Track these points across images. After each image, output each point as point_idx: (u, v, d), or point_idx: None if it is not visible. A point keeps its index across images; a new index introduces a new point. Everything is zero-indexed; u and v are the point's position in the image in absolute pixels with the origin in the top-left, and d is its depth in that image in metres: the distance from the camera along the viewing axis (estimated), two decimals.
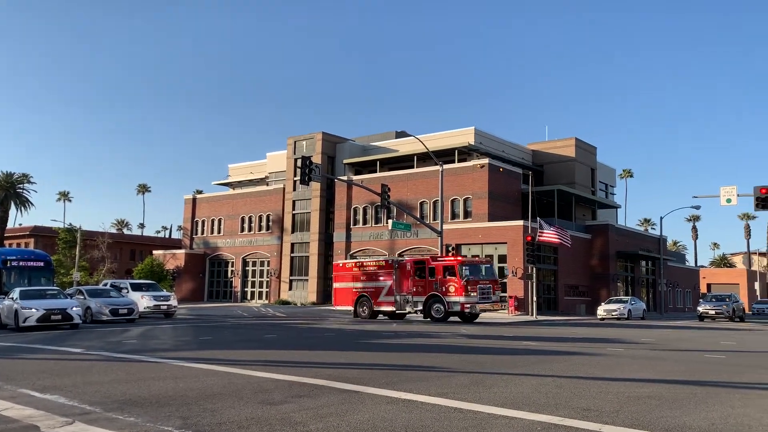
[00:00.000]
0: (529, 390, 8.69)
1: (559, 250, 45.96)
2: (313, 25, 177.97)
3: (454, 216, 48.47)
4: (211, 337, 18.62)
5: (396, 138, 58.52)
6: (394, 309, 30.36)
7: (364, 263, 33.41)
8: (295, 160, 55.94)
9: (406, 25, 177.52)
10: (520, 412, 7.04)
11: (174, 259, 64.44)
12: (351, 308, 32.48)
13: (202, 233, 66.70)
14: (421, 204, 50.21)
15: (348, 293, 32.36)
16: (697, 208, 54.52)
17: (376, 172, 55.61)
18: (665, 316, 49.86)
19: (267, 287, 61.01)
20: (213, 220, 66.00)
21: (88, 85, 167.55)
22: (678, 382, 9.87)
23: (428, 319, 28.85)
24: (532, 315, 38.01)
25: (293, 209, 59.33)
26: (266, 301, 59.52)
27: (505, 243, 43.43)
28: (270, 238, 60.99)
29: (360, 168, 58.43)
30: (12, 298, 21.97)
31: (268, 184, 64.74)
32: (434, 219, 46.66)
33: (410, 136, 41.87)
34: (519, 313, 40.41)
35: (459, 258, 30.85)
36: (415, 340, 18.18)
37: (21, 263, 26.42)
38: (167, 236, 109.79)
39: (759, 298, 72.00)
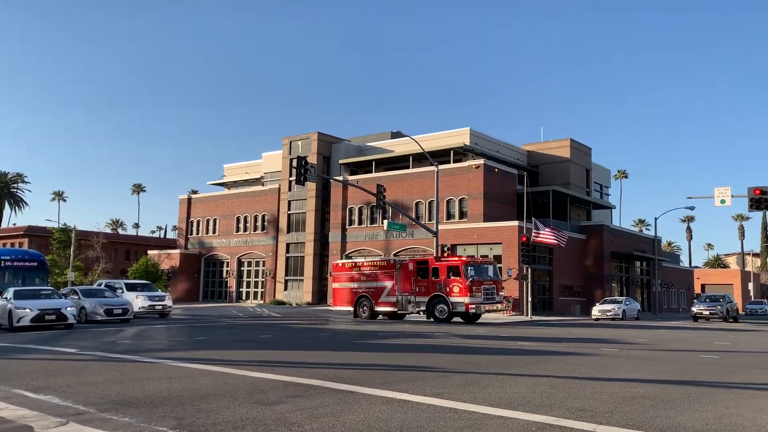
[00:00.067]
0: (524, 390, 8.70)
1: (554, 251, 46.03)
2: (309, 26, 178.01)
3: (449, 216, 48.52)
4: (206, 337, 18.58)
5: (391, 138, 58.56)
6: (396, 309, 30.08)
7: (365, 263, 33.09)
8: (291, 160, 55.90)
9: (403, 26, 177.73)
10: (515, 412, 7.05)
11: (169, 259, 64.31)
12: (349, 308, 32.28)
13: (197, 233, 66.58)
14: (417, 204, 50.24)
15: (347, 293, 32.08)
16: (692, 208, 54.75)
17: (371, 172, 55.61)
18: (659, 316, 50.01)
19: (262, 287, 60.94)
20: (208, 220, 65.89)
21: (84, 85, 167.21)
22: (672, 382, 9.90)
23: (431, 320, 28.66)
24: (527, 315, 38.07)
25: (289, 209, 59.29)
26: (261, 302, 59.45)
27: (500, 243, 43.49)
28: (265, 238, 60.92)
29: (356, 168, 58.43)
30: (6, 298, 21.87)
31: (263, 184, 64.68)
32: (430, 219, 46.71)
33: (406, 136, 41.93)
34: (514, 313, 40.47)
35: (463, 258, 30.56)
36: (411, 340, 18.18)
37: (15, 263, 26.33)
38: (162, 236, 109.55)
39: (753, 299, 72.31)
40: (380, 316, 31.17)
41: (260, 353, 13.86)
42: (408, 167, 52.93)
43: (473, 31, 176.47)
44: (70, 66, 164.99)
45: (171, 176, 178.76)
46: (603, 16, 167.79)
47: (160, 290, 34.55)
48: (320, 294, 56.23)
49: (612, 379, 10.05)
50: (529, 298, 38.74)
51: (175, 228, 79.61)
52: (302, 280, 57.43)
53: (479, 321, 29.45)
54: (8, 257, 26.63)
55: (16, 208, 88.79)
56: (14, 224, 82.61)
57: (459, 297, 27.65)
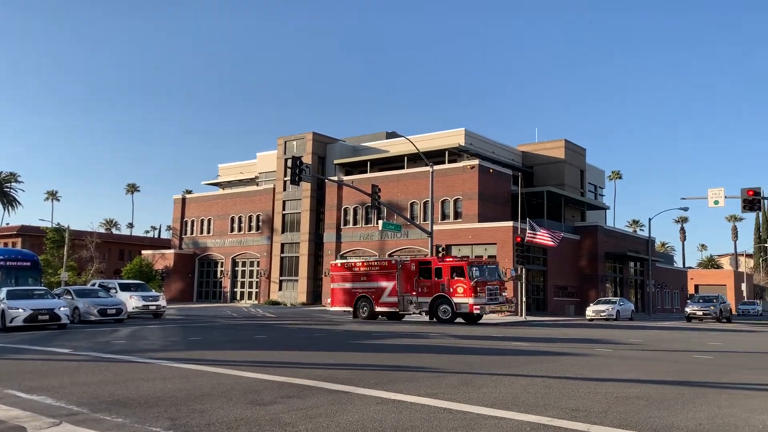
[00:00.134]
0: (519, 390, 8.71)
1: (548, 251, 46.15)
2: (305, 26, 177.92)
3: (444, 217, 48.57)
4: (200, 337, 18.53)
5: (386, 138, 58.57)
6: (397, 310, 29.84)
7: (365, 263, 32.82)
8: (286, 160, 55.84)
9: (399, 26, 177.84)
10: (510, 413, 7.06)
11: (163, 259, 64.13)
12: (345, 309, 32.11)
13: (192, 233, 66.44)
14: (412, 204, 50.26)
15: (347, 293, 31.76)
16: (685, 209, 55.11)
17: (366, 172, 55.62)
18: (653, 316, 50.18)
19: (257, 288, 60.85)
20: (202, 220, 65.75)
21: (79, 85, 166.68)
22: (666, 382, 9.94)
23: (434, 321, 28.50)
24: (521, 316, 38.14)
25: (283, 209, 59.22)
26: (256, 302, 59.36)
27: (495, 244, 43.57)
28: (260, 238, 60.84)
29: (350, 168, 58.42)
30: None
31: (258, 184, 64.59)
32: (424, 220, 46.73)
33: (401, 136, 41.95)
34: (509, 313, 40.50)
35: (467, 259, 30.31)
36: (405, 340, 18.18)
37: (8, 263, 26.17)
38: (156, 236, 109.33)
39: (746, 299, 72.63)
40: (380, 316, 30.93)
41: (255, 353, 13.83)
42: (403, 167, 52.97)
43: (469, 32, 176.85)
44: (65, 65, 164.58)
45: (165, 176, 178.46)
46: (601, 16, 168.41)
47: (154, 290, 34.47)
48: (315, 294, 56.19)
49: (606, 380, 10.07)
50: (524, 299, 38.81)
51: (169, 228, 79.33)
52: (297, 280, 57.37)
53: (460, 321, 29.13)
54: (1, 257, 26.48)
55: (9, 207, 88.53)
56: (7, 224, 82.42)
57: (463, 298, 27.45)
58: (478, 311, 27.47)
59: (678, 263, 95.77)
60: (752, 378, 10.94)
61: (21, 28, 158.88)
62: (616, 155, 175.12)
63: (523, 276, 39.19)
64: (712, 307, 39.69)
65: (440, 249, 39.95)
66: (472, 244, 44.61)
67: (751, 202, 29.01)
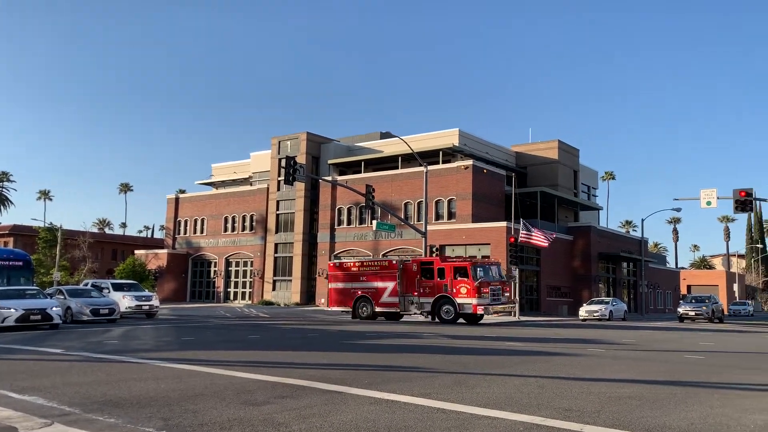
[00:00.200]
0: (512, 390, 8.73)
1: (541, 252, 46.25)
2: (300, 26, 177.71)
3: (438, 217, 48.62)
4: (193, 337, 18.48)
5: (381, 139, 58.59)
6: (398, 310, 29.64)
7: (365, 263, 32.63)
8: (280, 160, 55.74)
9: (394, 27, 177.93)
10: (503, 413, 7.07)
11: (156, 259, 63.94)
12: (344, 309, 31.88)
13: (185, 233, 66.25)
14: (406, 205, 50.29)
15: (346, 293, 31.43)
16: (678, 210, 55.28)
17: (360, 172, 55.62)
18: (646, 317, 50.36)
19: (250, 288, 60.75)
20: (196, 220, 65.58)
21: (72, 84, 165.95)
22: (658, 382, 9.97)
23: (436, 321, 28.37)
24: (514, 316, 38.18)
25: (277, 209, 59.14)
26: (249, 302, 59.25)
27: (489, 244, 43.64)
28: (253, 238, 60.73)
29: (345, 168, 58.40)
30: None
31: (251, 184, 64.48)
32: (418, 220, 46.76)
33: (395, 136, 41.97)
34: (506, 314, 40.59)
35: (470, 259, 30.14)
36: (399, 340, 18.19)
37: (0, 263, 26.03)
38: (149, 236, 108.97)
39: (737, 300, 73.00)
40: (379, 317, 30.69)
41: (248, 353, 13.81)
42: (397, 168, 52.99)
43: (463, 32, 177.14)
44: (58, 65, 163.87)
45: (159, 176, 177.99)
46: (597, 16, 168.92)
47: (147, 290, 34.34)
48: (308, 294, 56.14)
49: (599, 380, 10.11)
50: (517, 299, 38.88)
51: (162, 228, 79.24)
52: (290, 280, 57.30)
53: (461, 322, 29.08)
54: None
55: (2, 207, 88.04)
56: None
57: (467, 298, 27.31)
58: (482, 312, 27.39)
59: (670, 264, 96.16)
60: (744, 378, 11.00)
61: (16, 27, 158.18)
62: (608, 156, 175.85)
63: (517, 276, 39.26)
64: (704, 308, 39.86)
65: (434, 249, 39.98)
66: (465, 245, 44.67)
67: (743, 203, 29.16)
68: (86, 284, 32.24)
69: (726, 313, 52.19)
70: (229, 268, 62.75)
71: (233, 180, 68.19)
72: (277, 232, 58.93)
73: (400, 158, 53.07)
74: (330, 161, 57.57)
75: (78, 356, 12.86)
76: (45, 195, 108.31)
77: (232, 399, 7.77)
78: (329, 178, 53.02)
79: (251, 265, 60.77)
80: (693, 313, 39.82)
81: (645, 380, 10.15)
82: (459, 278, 27.69)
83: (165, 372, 10.34)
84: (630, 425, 6.58)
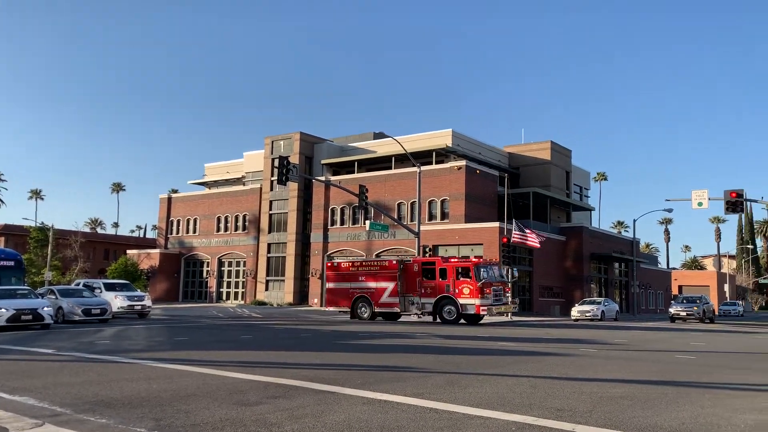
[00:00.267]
0: (504, 390, 8.75)
1: (534, 252, 46.38)
2: (293, 26, 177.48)
3: (431, 217, 48.66)
4: (185, 337, 18.43)
5: (374, 139, 58.59)
6: (399, 310, 29.44)
7: (364, 263, 32.35)
8: (273, 159, 55.68)
9: (387, 27, 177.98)
10: (495, 412, 7.09)
11: (148, 259, 63.71)
12: (339, 309, 31.72)
13: (178, 233, 66.04)
14: (399, 205, 50.31)
15: (344, 293, 31.16)
16: (670, 211, 55.57)
17: (354, 172, 55.60)
18: (638, 317, 50.59)
19: (243, 288, 60.62)
20: (188, 220, 65.38)
21: (64, 84, 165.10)
22: (650, 382, 10.02)
23: (437, 321, 28.24)
24: (507, 316, 38.26)
25: (270, 209, 59.04)
26: (242, 302, 59.14)
27: (482, 244, 43.71)
28: (246, 238, 60.61)
29: (338, 168, 58.36)
30: None
31: (244, 184, 64.34)
32: (411, 220, 46.81)
33: (388, 137, 41.93)
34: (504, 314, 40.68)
35: (473, 259, 29.96)
36: (392, 340, 18.19)
37: None
38: (142, 236, 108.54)
39: (728, 300, 73.43)
40: (378, 317, 30.45)
41: (240, 354, 13.77)
42: (390, 168, 53.00)
43: (457, 32, 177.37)
44: (49, 64, 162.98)
45: (151, 175, 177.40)
46: (591, 17, 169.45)
47: (139, 290, 34.19)
48: (301, 294, 56.08)
49: (591, 379, 10.14)
50: (517, 300, 38.93)
51: (154, 227, 78.96)
52: (283, 280, 57.22)
53: (462, 322, 29.12)
54: None
55: None
56: None
57: (469, 299, 27.21)
58: (485, 312, 27.33)
59: (662, 264, 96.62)
60: (734, 378, 11.06)
61: (9, 26, 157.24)
62: (600, 157, 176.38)
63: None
64: (695, 308, 40.08)
65: (427, 249, 40.02)
66: (458, 245, 44.73)
67: (734, 204, 29.34)
68: (78, 284, 32.07)
69: (716, 313, 52.51)
70: (222, 268, 62.60)
71: (226, 180, 68.04)
72: (270, 232, 58.84)
73: (393, 158, 53.09)
74: (323, 161, 57.52)
75: (69, 356, 12.80)
76: (36, 194, 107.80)
77: (224, 399, 7.75)
78: (322, 178, 52.99)
79: (244, 265, 60.63)
80: (684, 314, 40.03)
81: (637, 380, 10.19)
82: (461, 279, 27.56)
83: (157, 372, 10.31)
84: (622, 425, 6.61)
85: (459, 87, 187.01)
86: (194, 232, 64.72)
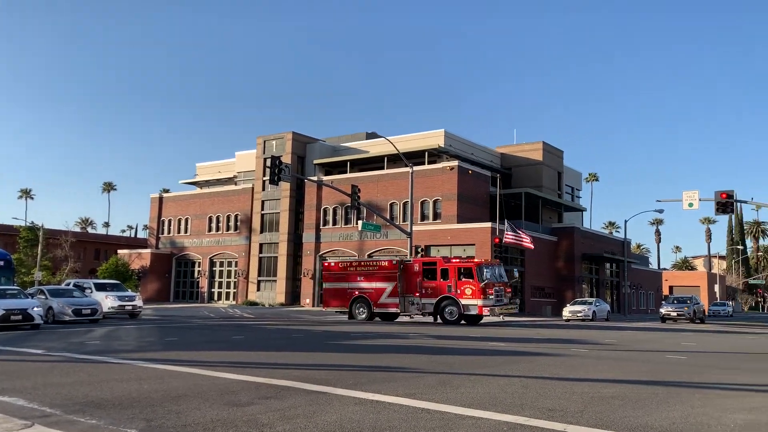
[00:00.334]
0: (496, 390, 8.76)
1: (526, 252, 46.49)
2: (285, 26, 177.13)
3: (423, 217, 48.69)
4: (176, 338, 18.36)
5: (366, 139, 58.56)
6: (398, 311, 29.23)
7: (362, 263, 32.11)
8: (265, 159, 55.51)
9: (380, 27, 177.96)
10: (487, 413, 7.09)
11: (139, 259, 63.42)
12: (337, 309, 31.49)
13: (169, 233, 65.78)
14: (391, 205, 50.31)
15: (341, 294, 30.79)
16: (660, 211, 55.84)
17: (346, 172, 55.56)
18: (629, 317, 50.81)
19: (234, 288, 60.45)
20: (180, 220, 65.13)
21: (54, 82, 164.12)
22: (641, 382, 10.06)
23: (439, 322, 28.12)
24: (500, 317, 38.32)
25: (262, 209, 58.90)
26: (233, 302, 58.97)
27: (474, 245, 43.78)
28: (238, 238, 60.44)
29: (330, 168, 58.30)
30: None
31: (236, 184, 64.17)
32: (404, 220, 46.82)
33: (381, 137, 41.89)
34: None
35: (475, 260, 29.92)
36: (385, 341, 18.19)
37: None
38: (133, 236, 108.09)
39: (718, 300, 73.90)
40: (376, 317, 30.19)
41: (232, 354, 13.73)
42: (383, 168, 52.99)
43: (449, 33, 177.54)
44: (40, 62, 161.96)
45: (142, 175, 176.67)
46: (584, 17, 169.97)
47: (130, 290, 34.02)
48: (293, 295, 55.97)
49: (582, 380, 10.17)
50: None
51: (146, 227, 78.63)
52: (275, 280, 57.09)
53: (452, 322, 29.04)
54: None
55: None
56: None
57: (471, 299, 27.09)
58: (487, 313, 27.24)
59: (653, 264, 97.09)
60: (724, 378, 11.13)
61: (2, 24, 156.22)
62: (592, 158, 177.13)
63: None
64: (686, 308, 40.31)
65: (419, 249, 40.01)
66: (450, 245, 44.78)
67: (724, 204, 29.51)
68: (68, 284, 31.86)
69: (706, 313, 52.85)
70: (214, 268, 62.40)
71: (218, 179, 67.82)
72: (261, 232, 58.70)
73: (385, 159, 53.08)
74: (315, 161, 57.45)
75: (59, 357, 12.72)
76: (26, 194, 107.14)
77: (215, 400, 7.72)
78: (315, 178, 52.92)
79: (236, 266, 60.46)
80: (675, 314, 40.24)
81: (628, 380, 10.24)
82: (464, 279, 27.43)
83: (148, 373, 10.26)
84: (613, 425, 6.63)
85: (458, 87, 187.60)
86: (185, 232, 64.49)
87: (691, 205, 31.33)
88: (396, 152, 41.43)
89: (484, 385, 9.31)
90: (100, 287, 30.46)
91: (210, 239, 62.35)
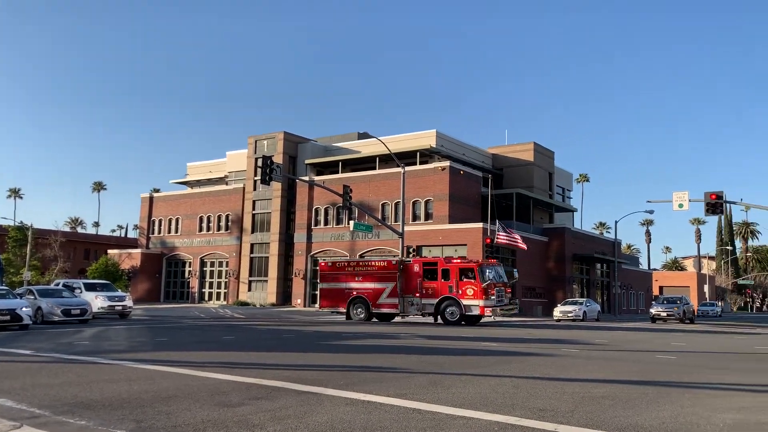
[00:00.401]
0: (487, 390, 8.77)
1: (517, 252, 46.62)
2: (277, 25, 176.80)
3: (415, 218, 48.73)
4: (166, 338, 18.28)
5: (358, 139, 58.54)
6: (397, 311, 29.07)
7: (360, 263, 31.92)
8: (256, 159, 55.41)
9: (372, 28, 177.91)
10: (478, 413, 7.10)
11: (130, 259, 63.11)
12: (334, 310, 31.38)
13: (159, 233, 65.50)
14: (383, 205, 50.30)
15: (339, 294, 30.57)
16: (651, 212, 56.25)
17: (338, 172, 55.52)
18: (619, 317, 51.03)
19: (225, 288, 60.26)
20: (170, 220, 64.86)
21: (44, 80, 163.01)
22: (631, 382, 10.10)
23: (440, 322, 28.02)
24: (492, 317, 38.39)
25: (253, 209, 58.74)
26: (224, 302, 58.78)
27: (465, 245, 43.86)
28: (229, 238, 60.26)
29: (322, 168, 58.23)
30: None
31: (227, 184, 63.97)
32: (395, 220, 46.83)
33: (372, 137, 41.98)
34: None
35: (477, 260, 29.71)
36: (376, 341, 18.18)
37: None
38: (123, 235, 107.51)
39: (708, 300, 74.40)
40: (374, 318, 30.03)
41: (222, 355, 13.68)
42: (374, 168, 52.98)
43: (441, 33, 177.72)
44: (29, 61, 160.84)
45: (133, 174, 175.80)
46: (578, 17, 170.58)
47: (120, 290, 33.84)
48: (285, 295, 55.85)
49: (573, 380, 10.20)
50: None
51: (136, 227, 78.25)
52: (266, 281, 56.95)
53: (453, 322, 28.40)
54: None
55: None
56: None
57: (473, 300, 27.03)
58: (489, 313, 27.20)
59: (643, 265, 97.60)
60: (714, 378, 11.19)
61: None
62: (583, 158, 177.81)
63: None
64: (675, 309, 40.52)
65: (411, 250, 40.04)
66: (442, 245, 44.84)
67: (714, 205, 29.72)
68: (57, 284, 31.66)
69: (695, 313, 53.19)
70: (204, 269, 62.18)
71: (209, 179, 67.60)
72: (253, 232, 58.54)
73: (377, 159, 53.07)
74: (307, 161, 57.36)
75: (48, 357, 12.63)
76: (15, 193, 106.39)
77: (206, 400, 7.69)
78: (306, 178, 52.85)
79: (226, 266, 60.26)
80: (665, 314, 40.45)
81: (618, 380, 10.28)
82: (465, 279, 27.38)
83: (138, 373, 10.20)
84: (603, 425, 6.65)
85: (458, 87, 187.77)
86: (176, 231, 64.22)
87: (681, 206, 31.53)
88: (388, 152, 41.43)
89: (475, 385, 9.32)
90: (90, 287, 30.28)
91: (201, 239, 62.13)
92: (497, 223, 40.52)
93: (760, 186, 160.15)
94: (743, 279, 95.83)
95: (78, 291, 29.27)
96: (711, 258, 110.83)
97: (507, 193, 51.87)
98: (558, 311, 40.68)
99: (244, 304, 55.33)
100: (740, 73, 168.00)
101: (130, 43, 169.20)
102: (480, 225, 44.12)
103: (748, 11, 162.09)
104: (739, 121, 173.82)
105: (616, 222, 56.79)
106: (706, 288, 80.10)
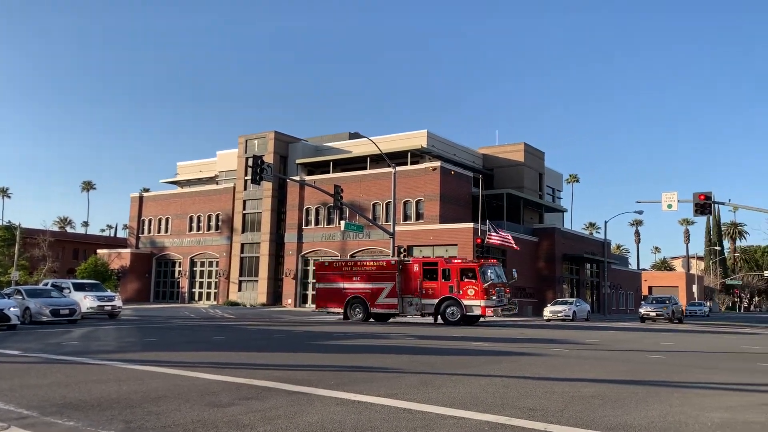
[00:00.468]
0: (477, 390, 8.79)
1: (507, 253, 46.75)
2: (268, 26, 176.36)
3: (406, 218, 48.75)
4: (156, 338, 18.19)
5: (349, 139, 58.50)
6: (396, 311, 28.93)
7: (358, 263, 31.67)
8: (247, 159, 55.22)
9: (364, 28, 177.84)
10: (468, 412, 7.11)
11: (119, 259, 62.76)
12: (331, 310, 31.24)
13: (149, 232, 65.17)
14: (374, 205, 50.29)
15: (336, 294, 30.34)
16: (640, 212, 56.60)
17: (329, 172, 55.46)
18: (608, 317, 51.29)
19: (215, 288, 60.05)
20: (160, 219, 64.56)
21: (33, 79, 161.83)
22: (620, 381, 10.16)
23: (440, 323, 27.93)
24: (500, 316, 38.45)
25: (244, 209, 58.57)
26: (214, 303, 58.58)
27: (456, 245, 43.93)
28: (219, 238, 60.05)
29: (313, 168, 58.14)
30: None
31: (218, 183, 63.74)
32: (386, 220, 46.84)
33: (364, 137, 41.96)
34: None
35: (478, 260, 29.70)
36: (367, 341, 18.18)
37: None
38: (112, 235, 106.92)
39: (696, 300, 74.91)
40: (371, 318, 29.84)
41: (212, 355, 13.63)
42: (365, 168, 52.95)
43: (434, 33, 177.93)
44: (19, 59, 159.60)
45: (123, 174, 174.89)
46: (572, 18, 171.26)
47: (109, 290, 33.66)
48: (275, 295, 55.73)
49: (562, 379, 10.24)
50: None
51: (125, 227, 77.76)
52: (257, 281, 56.79)
53: (453, 323, 28.14)
54: None
55: None
56: None
57: (474, 300, 26.96)
58: (490, 313, 27.18)
59: (632, 265, 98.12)
60: (702, 377, 11.27)
61: None
62: (573, 159, 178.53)
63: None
64: (664, 308, 40.77)
65: (402, 250, 40.05)
66: (433, 245, 44.89)
67: (702, 206, 29.95)
68: (46, 284, 31.44)
69: (684, 313, 53.53)
70: (194, 269, 61.93)
71: (199, 179, 67.32)
72: (243, 231, 58.37)
73: (368, 159, 53.05)
74: (298, 161, 57.26)
75: (37, 358, 12.54)
76: (3, 192, 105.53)
77: (195, 401, 7.66)
78: (297, 178, 52.76)
79: (217, 266, 60.05)
80: (654, 314, 40.68)
81: (607, 380, 10.33)
82: (466, 279, 27.30)
83: (127, 374, 10.15)
84: (593, 424, 6.68)
85: (435, 88, 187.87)
86: (166, 231, 63.93)
87: (670, 206, 31.75)
88: (379, 152, 41.43)
89: (466, 384, 9.34)
90: (79, 287, 30.10)
91: (191, 239, 61.87)
92: (488, 223, 40.63)
93: (760, 186, 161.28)
94: (731, 279, 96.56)
95: (67, 291, 29.09)
96: (699, 258, 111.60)
97: (497, 193, 52.01)
98: (548, 311, 40.84)
99: (235, 304, 55.17)
100: (740, 73, 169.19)
101: (120, 42, 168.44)
102: (471, 225, 44.21)
103: (748, 11, 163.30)
104: (739, 121, 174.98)
105: (605, 222, 57.19)
106: (694, 288, 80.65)
